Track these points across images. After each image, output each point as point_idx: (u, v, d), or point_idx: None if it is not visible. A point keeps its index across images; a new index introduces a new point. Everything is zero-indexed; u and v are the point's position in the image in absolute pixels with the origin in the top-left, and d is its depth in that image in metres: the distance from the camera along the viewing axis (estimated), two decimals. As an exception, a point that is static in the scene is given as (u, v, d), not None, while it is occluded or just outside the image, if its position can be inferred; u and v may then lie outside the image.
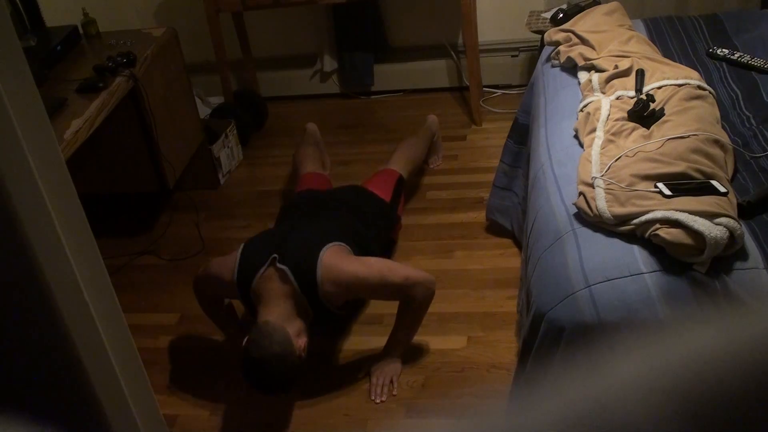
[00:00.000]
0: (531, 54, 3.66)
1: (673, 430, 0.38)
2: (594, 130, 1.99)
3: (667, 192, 1.67)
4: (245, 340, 2.02)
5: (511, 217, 2.68)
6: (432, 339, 2.37)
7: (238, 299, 2.21)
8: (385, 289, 2.16)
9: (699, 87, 2.10)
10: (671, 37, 2.57)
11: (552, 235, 1.77)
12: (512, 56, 3.70)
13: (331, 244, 2.16)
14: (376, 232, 2.48)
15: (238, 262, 2.16)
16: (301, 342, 2.05)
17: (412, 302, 2.17)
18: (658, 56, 2.33)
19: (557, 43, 2.55)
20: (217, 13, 3.40)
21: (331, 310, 2.14)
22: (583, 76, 2.33)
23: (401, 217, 2.77)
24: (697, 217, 1.57)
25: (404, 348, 2.30)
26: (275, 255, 2.11)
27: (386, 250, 2.66)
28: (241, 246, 2.22)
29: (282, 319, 2.04)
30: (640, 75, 2.16)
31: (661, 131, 1.92)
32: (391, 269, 2.16)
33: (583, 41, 2.45)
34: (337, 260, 2.12)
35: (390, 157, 2.89)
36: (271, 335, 1.98)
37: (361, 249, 2.27)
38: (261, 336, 1.98)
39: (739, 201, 1.71)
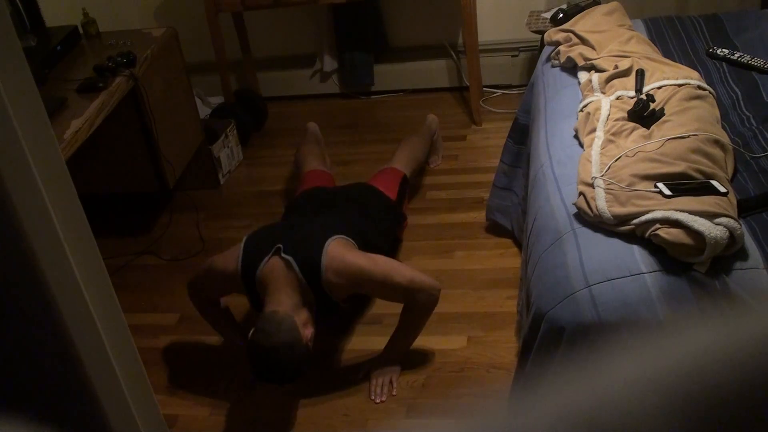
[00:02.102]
0: (531, 54, 3.66)
1: (674, 430, 0.38)
2: (594, 130, 1.99)
3: (667, 192, 1.67)
4: (251, 331, 2.01)
5: (511, 217, 2.68)
6: (432, 339, 2.37)
7: (242, 292, 2.19)
8: (387, 289, 2.15)
9: (699, 87, 2.10)
10: (671, 37, 2.57)
11: (552, 235, 1.77)
12: (512, 56, 3.70)
13: (336, 236, 2.16)
14: (383, 229, 2.47)
15: (242, 252, 2.16)
16: (308, 332, 2.04)
17: (414, 307, 2.17)
18: (658, 56, 2.33)
19: (557, 43, 2.55)
20: (217, 13, 3.40)
21: (334, 301, 2.13)
22: (583, 76, 2.33)
23: (407, 216, 2.77)
24: (697, 217, 1.57)
25: (404, 351, 2.30)
26: (279, 245, 2.11)
27: (393, 249, 2.65)
28: (245, 238, 2.22)
29: (289, 309, 2.03)
30: (640, 75, 2.16)
31: (661, 131, 1.92)
32: (397, 269, 2.15)
33: (583, 41, 2.45)
34: (342, 252, 2.12)
35: (392, 157, 2.89)
36: (279, 324, 1.97)
37: (368, 246, 2.27)
38: (269, 325, 1.97)
39: (739, 199, 1.71)
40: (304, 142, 3.10)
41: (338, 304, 2.17)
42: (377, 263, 2.14)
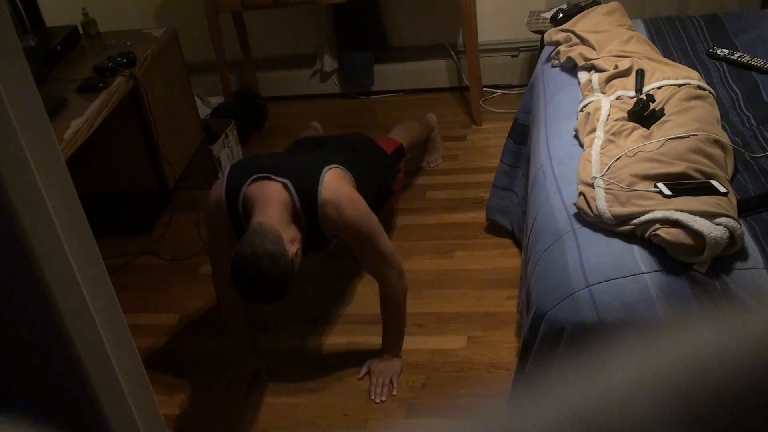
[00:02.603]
0: (531, 54, 3.66)
1: (673, 429, 0.38)
2: (594, 130, 1.99)
3: (667, 192, 1.67)
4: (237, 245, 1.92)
5: (511, 217, 2.68)
6: (432, 339, 2.37)
7: (227, 221, 2.09)
8: (370, 249, 2.10)
9: (699, 87, 2.10)
10: (671, 37, 2.57)
11: (552, 235, 1.77)
12: (512, 56, 3.70)
13: (332, 165, 2.10)
14: (375, 174, 2.44)
15: (226, 176, 2.08)
16: (294, 248, 1.94)
17: (385, 288, 2.15)
18: (658, 56, 2.33)
19: (557, 43, 2.55)
20: (217, 13, 3.40)
21: (323, 236, 2.09)
22: (583, 76, 2.33)
23: (401, 170, 2.73)
24: (697, 217, 1.57)
25: (399, 344, 2.29)
26: (271, 170, 2.03)
27: (385, 199, 2.59)
28: (230, 165, 2.14)
29: (276, 222, 1.95)
30: (640, 75, 2.16)
31: (661, 131, 1.92)
32: (385, 237, 2.12)
33: (583, 41, 2.46)
34: (341, 187, 2.06)
35: (388, 131, 2.90)
36: (264, 235, 1.88)
37: (360, 187, 2.19)
38: (254, 235, 1.88)
39: (738, 199, 1.71)
40: (303, 131, 3.12)
41: (327, 241, 2.12)
42: (373, 219, 2.09)
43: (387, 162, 2.60)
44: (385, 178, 2.55)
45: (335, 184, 2.05)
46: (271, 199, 1.99)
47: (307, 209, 2.02)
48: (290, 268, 1.91)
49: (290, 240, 1.95)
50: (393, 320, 2.25)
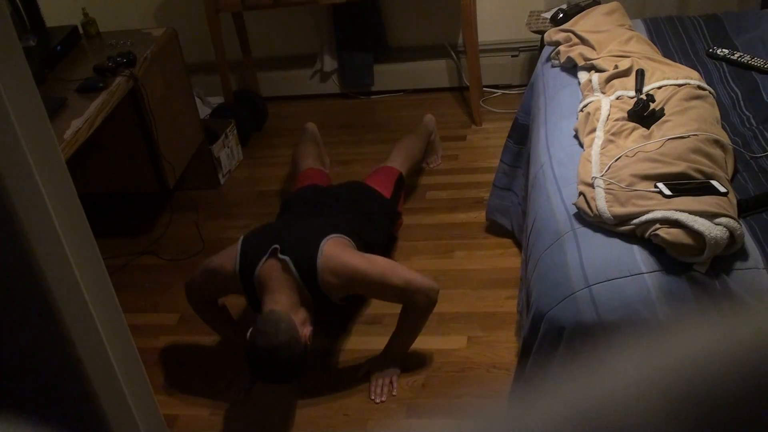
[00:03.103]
0: (531, 54, 3.66)
1: (673, 429, 0.38)
2: (594, 130, 1.99)
3: (667, 192, 1.67)
4: (250, 331, 2.01)
5: (511, 217, 2.68)
6: (432, 339, 2.37)
7: (240, 293, 2.20)
8: (384, 289, 2.15)
9: (699, 87, 2.10)
10: (671, 37, 2.57)
11: (552, 235, 1.77)
12: (512, 56, 3.70)
13: (332, 236, 2.16)
14: (377, 227, 2.47)
15: (239, 253, 2.16)
16: (306, 331, 2.04)
17: (412, 308, 2.17)
18: (658, 56, 2.33)
19: (557, 43, 2.55)
20: (217, 13, 3.40)
21: (331, 300, 2.13)
22: (583, 76, 2.33)
23: (402, 214, 2.77)
24: (697, 217, 1.57)
25: (404, 351, 2.30)
26: (276, 246, 2.11)
27: (388, 247, 2.65)
28: (241, 238, 2.21)
29: (287, 309, 2.04)
30: (640, 75, 2.16)
31: (661, 131, 1.92)
32: (394, 270, 2.15)
33: (583, 41, 2.45)
34: (338, 251, 2.11)
35: (388, 155, 2.89)
36: (278, 324, 1.97)
37: (363, 243, 2.27)
38: (267, 325, 1.97)
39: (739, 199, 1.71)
40: (302, 142, 3.10)
41: (335, 304, 2.17)
42: (374, 264, 2.14)
43: (388, 210, 2.63)
44: (387, 227, 2.61)
45: (332, 251, 2.11)
46: (279, 285, 2.08)
47: (309, 282, 2.09)
48: (304, 351, 2.02)
49: (302, 323, 2.05)
50: (408, 330, 2.25)
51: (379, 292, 2.20)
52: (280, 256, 2.10)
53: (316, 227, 2.21)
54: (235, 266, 2.15)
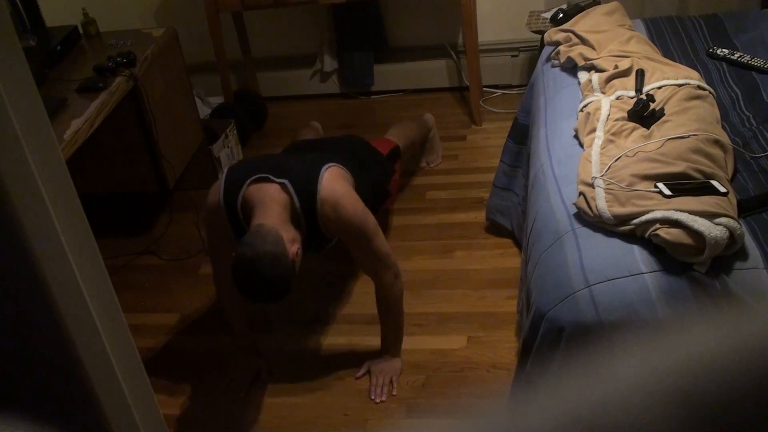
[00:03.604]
0: (531, 54, 3.66)
1: (674, 430, 0.38)
2: (594, 130, 1.99)
3: (667, 192, 1.67)
4: (237, 247, 1.92)
5: (511, 217, 2.68)
6: (432, 339, 2.37)
7: (226, 223, 2.10)
8: (367, 249, 2.10)
9: (699, 87, 2.10)
10: (671, 37, 2.57)
11: (552, 235, 1.77)
12: (512, 56, 3.70)
13: (330, 164, 2.10)
14: (372, 175, 2.44)
15: (224, 178, 2.09)
16: (294, 248, 1.95)
17: (381, 288, 2.16)
18: (658, 56, 2.33)
19: (557, 43, 2.55)
20: (217, 13, 3.40)
21: (322, 235, 2.09)
22: (583, 76, 2.33)
23: (397, 172, 2.74)
24: (697, 217, 1.57)
25: (398, 344, 2.29)
26: (266, 174, 2.03)
27: (382, 200, 2.59)
28: (227, 168, 2.14)
29: (276, 223, 1.96)
30: (640, 75, 2.16)
31: (661, 131, 1.92)
32: (382, 238, 2.12)
33: (583, 41, 2.45)
34: (339, 186, 2.06)
35: (385, 132, 2.90)
36: (265, 236, 1.89)
37: (358, 185, 2.20)
38: (254, 237, 1.89)
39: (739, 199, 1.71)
40: (302, 131, 3.12)
41: (327, 240, 2.12)
42: (370, 219, 2.10)
43: (383, 163, 2.60)
44: (381, 179, 2.55)
45: (334, 182, 2.06)
46: (271, 201, 2.00)
47: (307, 208, 2.03)
48: (291, 268, 1.92)
49: (290, 240, 1.96)
50: (390, 321, 2.25)
51: (362, 249, 2.13)
52: (278, 179, 2.02)
53: (314, 157, 2.16)
54: (220, 195, 2.07)
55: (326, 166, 2.09)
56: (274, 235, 1.90)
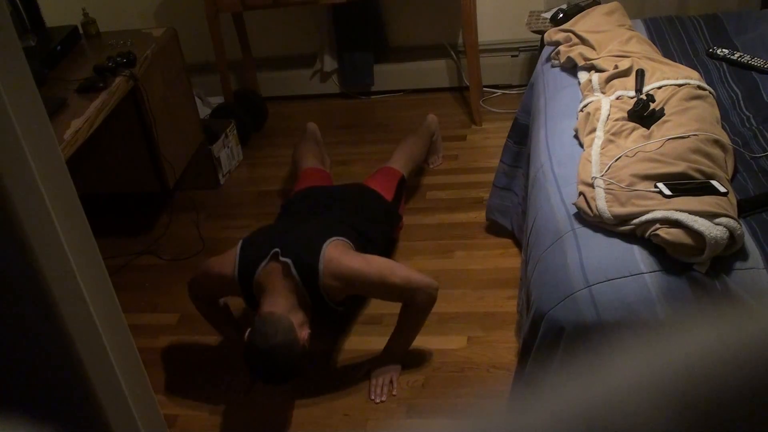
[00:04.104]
0: (531, 54, 3.66)
1: (674, 430, 0.38)
2: (594, 130, 1.99)
3: (667, 192, 1.67)
4: (247, 332, 2.02)
5: (511, 217, 2.68)
6: (432, 339, 2.37)
7: (239, 295, 2.20)
8: (384, 289, 2.15)
9: (699, 87, 2.10)
10: (671, 37, 2.57)
11: (552, 235, 1.77)
12: (512, 56, 3.70)
13: (333, 239, 2.16)
14: (378, 230, 2.48)
15: (239, 257, 2.16)
16: (304, 333, 2.05)
17: (412, 306, 2.17)
18: (658, 56, 2.33)
19: (557, 43, 2.55)
20: (217, 13, 3.40)
21: (330, 306, 2.14)
22: (583, 76, 2.33)
23: (402, 217, 2.78)
24: (697, 217, 1.57)
25: (404, 350, 2.30)
26: (277, 249, 2.11)
27: (388, 250, 2.65)
28: (240, 241, 2.22)
29: (285, 310, 2.04)
30: (640, 75, 2.16)
31: (661, 131, 1.92)
32: (393, 270, 2.15)
33: (583, 41, 2.45)
34: (339, 254, 2.12)
35: (390, 156, 2.89)
36: (276, 325, 1.98)
37: (363, 246, 2.28)
38: (265, 326, 1.98)
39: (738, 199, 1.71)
40: (303, 141, 3.11)
41: (335, 308, 2.17)
42: (373, 264, 2.14)
43: (390, 213, 2.63)
44: (388, 231, 2.61)
45: (333, 254, 2.11)
46: (279, 287, 2.08)
47: (310, 285, 2.09)
48: (302, 353, 2.03)
49: (300, 325, 2.05)
50: (408, 329, 2.25)
51: (380, 292, 2.20)
52: (282, 258, 2.10)
53: (317, 229, 2.22)
54: (234, 271, 2.15)
55: (328, 242, 2.14)
56: (285, 323, 2.00)
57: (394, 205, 2.66)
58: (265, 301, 2.09)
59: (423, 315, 2.21)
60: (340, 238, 2.19)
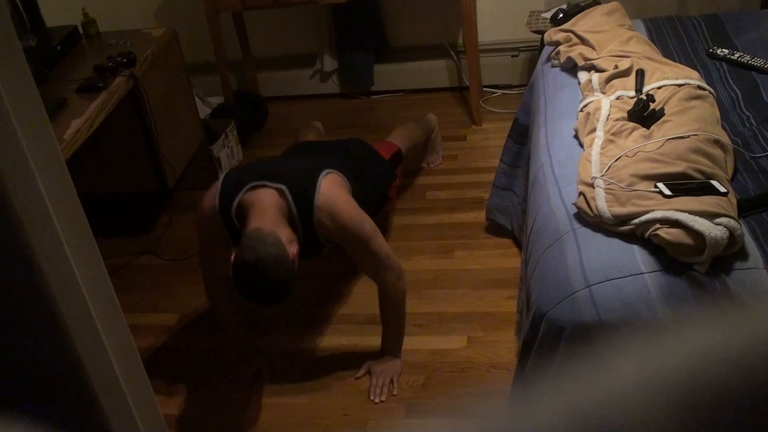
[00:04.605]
0: (531, 54, 3.66)
1: (674, 429, 0.38)
2: (594, 130, 1.99)
3: (667, 192, 1.67)
4: (235, 252, 1.92)
5: (511, 217, 2.68)
6: (432, 339, 2.37)
7: (222, 229, 2.10)
8: (366, 253, 2.11)
9: (699, 87, 2.10)
10: (671, 37, 2.57)
11: (552, 235, 1.77)
12: (512, 56, 3.70)
13: (329, 171, 2.11)
14: (372, 179, 2.44)
15: (220, 184, 2.09)
16: (293, 249, 1.95)
17: (384, 289, 2.16)
18: (658, 56, 2.33)
19: (557, 43, 2.55)
20: (217, 13, 3.40)
21: (320, 240, 2.10)
22: (583, 76, 2.33)
23: (398, 177, 2.74)
24: (697, 217, 1.57)
25: (399, 345, 2.30)
26: (267, 177, 2.03)
27: (381, 205, 2.58)
28: (223, 173, 2.15)
29: (273, 225, 1.96)
30: (640, 75, 2.16)
31: (661, 131, 1.92)
32: (381, 240, 2.12)
33: (583, 41, 2.46)
34: (336, 192, 2.06)
35: (388, 135, 2.90)
36: (264, 239, 1.89)
37: (357, 190, 2.22)
38: (253, 240, 1.89)
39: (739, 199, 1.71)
40: (305, 128, 3.12)
41: (323, 245, 2.13)
42: (366, 223, 2.09)
43: (384, 168, 2.60)
44: (381, 184, 2.55)
45: (331, 190, 2.07)
46: (267, 204, 2.00)
47: (303, 215, 2.04)
48: (292, 269, 1.93)
49: (288, 241, 1.96)
50: (392, 321, 2.25)
51: (359, 252, 2.13)
52: (275, 184, 2.02)
53: (312, 162, 2.16)
54: (215, 200, 2.07)
55: (324, 172, 2.09)
56: (273, 237, 1.91)
57: (389, 164, 2.64)
58: (251, 220, 1.98)
59: (399, 304, 2.20)
60: (336, 171, 2.14)
